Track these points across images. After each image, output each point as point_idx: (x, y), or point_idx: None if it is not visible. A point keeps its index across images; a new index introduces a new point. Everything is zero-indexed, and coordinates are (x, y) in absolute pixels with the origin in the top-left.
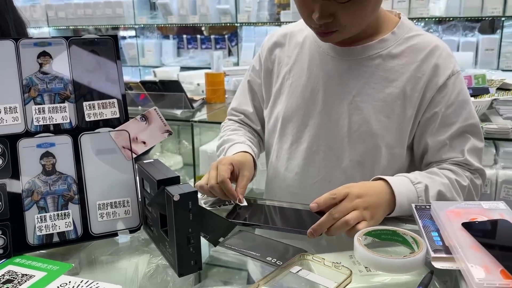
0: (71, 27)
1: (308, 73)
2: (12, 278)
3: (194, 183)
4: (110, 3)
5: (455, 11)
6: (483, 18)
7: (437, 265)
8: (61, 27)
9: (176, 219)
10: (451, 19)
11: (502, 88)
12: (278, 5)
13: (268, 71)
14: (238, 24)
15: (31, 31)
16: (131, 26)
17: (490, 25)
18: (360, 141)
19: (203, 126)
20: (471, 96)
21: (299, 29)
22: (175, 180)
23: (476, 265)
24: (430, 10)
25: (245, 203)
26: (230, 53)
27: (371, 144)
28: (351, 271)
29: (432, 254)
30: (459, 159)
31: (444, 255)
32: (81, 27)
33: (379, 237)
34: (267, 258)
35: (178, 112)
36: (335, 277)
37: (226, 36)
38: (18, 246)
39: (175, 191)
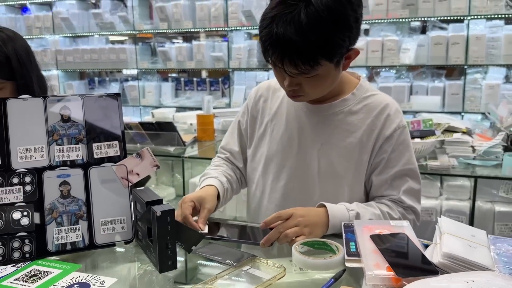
0: (78, 70)
1: (286, 123)
2: (36, 274)
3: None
4: (114, 49)
5: (424, 59)
6: (448, 66)
7: (348, 264)
8: (68, 70)
9: (158, 230)
10: (420, 66)
11: (449, 130)
12: None
13: (253, 118)
14: (230, 70)
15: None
16: (133, 69)
17: (454, 71)
18: (327, 180)
19: (194, 161)
20: (420, 137)
21: (280, 86)
22: (159, 202)
23: (372, 264)
24: (400, 59)
25: (206, 231)
26: (223, 94)
27: (336, 182)
28: (284, 268)
29: (346, 257)
30: (394, 197)
31: (354, 258)
32: (87, 70)
33: (313, 246)
34: (227, 261)
35: (171, 149)
36: (274, 273)
37: (219, 79)
38: (41, 252)
39: (158, 209)
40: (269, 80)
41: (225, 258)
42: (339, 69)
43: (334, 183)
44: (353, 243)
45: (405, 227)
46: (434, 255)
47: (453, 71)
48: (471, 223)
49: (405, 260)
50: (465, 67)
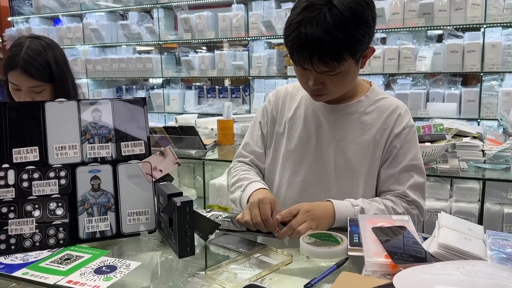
0: (106, 79)
1: (304, 122)
2: (69, 257)
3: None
4: (141, 59)
5: (440, 67)
6: (464, 73)
7: (350, 253)
8: (98, 78)
9: (178, 219)
10: (436, 74)
11: (459, 134)
12: (286, 64)
13: (273, 118)
14: (251, 77)
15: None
16: (159, 78)
17: (471, 78)
18: (343, 175)
19: (214, 164)
20: (430, 141)
21: (297, 91)
22: (179, 194)
23: (371, 252)
24: (417, 67)
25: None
26: (243, 101)
27: (351, 177)
28: (292, 255)
29: (349, 247)
30: (399, 191)
31: (356, 248)
32: (115, 78)
33: (320, 238)
34: (240, 249)
35: (193, 152)
36: (282, 259)
37: (240, 87)
38: (73, 239)
39: (178, 200)
40: (286, 85)
41: (238, 246)
42: (358, 66)
43: (349, 178)
44: (357, 235)
45: (405, 221)
46: (431, 246)
47: (470, 78)
48: (480, 224)
49: (402, 249)
50: (481, 74)
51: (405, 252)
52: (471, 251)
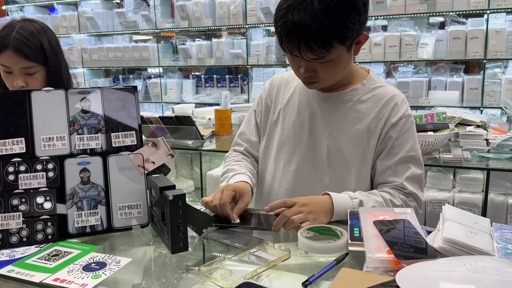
0: (102, 68)
1: (297, 111)
2: (57, 253)
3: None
4: (137, 47)
5: (442, 54)
6: (467, 61)
7: (351, 248)
8: (94, 68)
9: (170, 213)
10: (438, 61)
11: (462, 123)
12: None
13: (267, 107)
14: (249, 66)
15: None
16: (155, 67)
17: (473, 66)
18: (335, 164)
19: (211, 155)
20: (433, 130)
21: (292, 78)
22: (172, 187)
23: (373, 247)
24: (418, 54)
25: (238, 221)
26: (242, 91)
27: (344, 167)
28: (290, 251)
29: (349, 241)
30: (397, 183)
31: (357, 242)
32: (111, 68)
33: (319, 232)
34: (236, 244)
35: (189, 143)
36: (279, 255)
37: (239, 76)
38: (62, 234)
39: (170, 193)
40: (282, 73)
41: (234, 241)
42: (350, 53)
43: (342, 168)
44: (357, 229)
45: (408, 214)
46: (435, 240)
47: (472, 66)
48: (484, 215)
49: (405, 244)
50: (485, 61)
51: (408, 247)
52: (478, 246)
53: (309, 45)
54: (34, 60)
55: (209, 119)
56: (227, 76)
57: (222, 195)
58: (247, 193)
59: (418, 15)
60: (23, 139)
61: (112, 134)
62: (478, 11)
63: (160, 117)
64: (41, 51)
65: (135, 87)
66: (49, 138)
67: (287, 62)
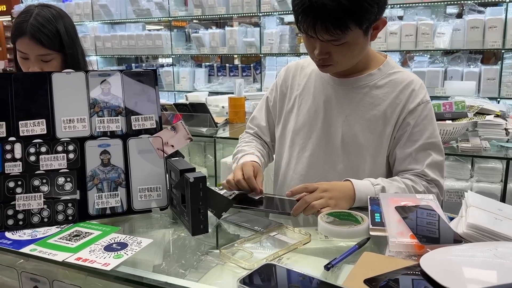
0: (116, 56)
1: (313, 97)
2: (78, 234)
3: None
4: (150, 36)
5: (459, 44)
6: (485, 50)
7: (372, 233)
8: (107, 56)
9: (191, 195)
10: (455, 51)
11: (481, 112)
12: (298, 41)
13: (282, 94)
14: (262, 55)
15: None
16: (168, 55)
17: (491, 56)
18: (350, 150)
19: (225, 142)
20: (451, 119)
21: (308, 64)
22: (192, 170)
23: (395, 232)
24: (435, 43)
25: (262, 196)
26: (254, 80)
27: (358, 153)
28: (310, 235)
29: (370, 226)
30: (418, 170)
31: (378, 227)
32: (124, 56)
33: (339, 217)
34: (255, 227)
35: (203, 130)
36: (299, 238)
37: (251, 65)
38: (82, 215)
39: (191, 176)
40: (298, 60)
41: (254, 225)
42: (367, 38)
43: (356, 154)
44: (378, 214)
45: (430, 200)
46: (459, 226)
47: (490, 56)
48: None
49: (429, 229)
50: (503, 51)
51: (433, 233)
52: (503, 232)
53: (325, 24)
54: (51, 48)
55: (223, 107)
56: (239, 65)
57: (243, 171)
58: (260, 170)
59: (435, 3)
60: (44, 120)
61: (132, 117)
62: (496, 0)
63: (175, 104)
64: (57, 38)
65: (155, 71)
66: (70, 120)
67: (301, 51)
